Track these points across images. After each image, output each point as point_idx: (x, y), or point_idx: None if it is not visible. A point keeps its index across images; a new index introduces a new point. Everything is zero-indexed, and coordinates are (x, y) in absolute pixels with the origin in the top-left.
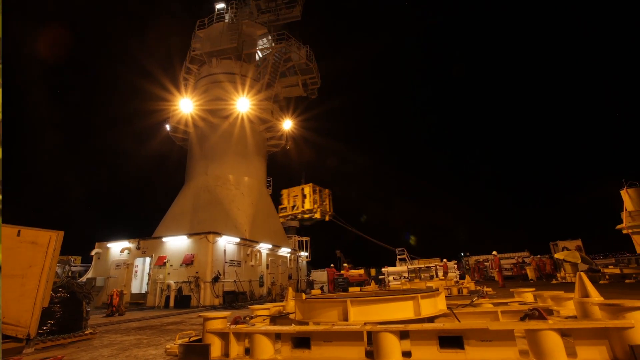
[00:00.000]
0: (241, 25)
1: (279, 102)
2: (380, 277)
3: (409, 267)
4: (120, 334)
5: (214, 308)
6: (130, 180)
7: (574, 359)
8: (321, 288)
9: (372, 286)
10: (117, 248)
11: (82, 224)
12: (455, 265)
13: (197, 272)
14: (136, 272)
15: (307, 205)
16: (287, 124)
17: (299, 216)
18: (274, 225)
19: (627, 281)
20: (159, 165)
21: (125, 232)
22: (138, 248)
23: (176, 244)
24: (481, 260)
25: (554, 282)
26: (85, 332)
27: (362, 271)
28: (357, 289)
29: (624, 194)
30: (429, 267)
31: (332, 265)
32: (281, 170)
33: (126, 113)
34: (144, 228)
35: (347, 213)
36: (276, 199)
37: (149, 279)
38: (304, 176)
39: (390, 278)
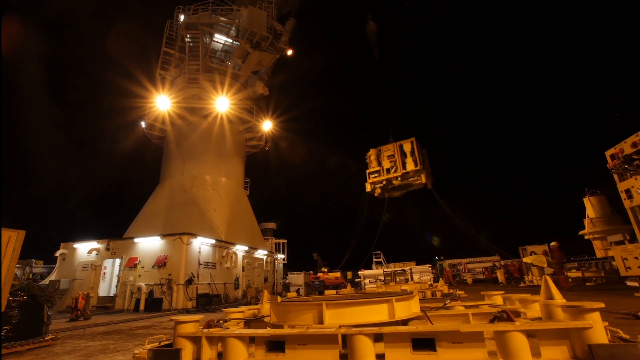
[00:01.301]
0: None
1: (257, 98)
2: (356, 280)
3: (385, 270)
4: (85, 340)
5: (186, 311)
6: (100, 179)
7: (538, 358)
8: (297, 291)
9: (348, 289)
10: (85, 249)
11: (46, 224)
12: (430, 269)
13: (169, 274)
14: (105, 274)
15: (411, 166)
16: (267, 125)
17: (397, 181)
18: (251, 227)
19: (587, 284)
20: (133, 164)
21: (94, 233)
22: (107, 249)
23: (148, 245)
24: (455, 264)
25: (522, 285)
26: (46, 338)
27: (338, 274)
28: (334, 291)
29: (586, 201)
30: (404, 270)
31: (325, 269)
32: (260, 172)
33: (98, 108)
34: (114, 228)
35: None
36: (361, 164)
37: (118, 282)
38: (391, 133)
39: (367, 281)
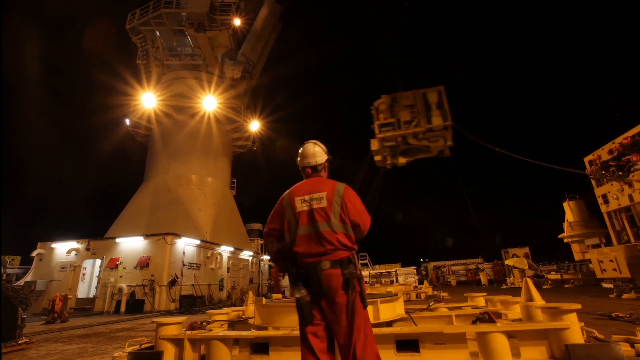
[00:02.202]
0: None
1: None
2: None
3: (371, 272)
4: (62, 343)
5: (169, 313)
6: (83, 178)
7: (518, 359)
8: (282, 292)
9: None
10: (64, 249)
11: (24, 223)
12: (415, 271)
13: (152, 275)
14: (84, 275)
15: (438, 121)
16: (255, 125)
17: (416, 140)
18: (237, 227)
19: (566, 286)
20: (117, 162)
21: (74, 233)
22: (88, 249)
23: (131, 245)
24: (439, 266)
25: (504, 287)
26: (20, 342)
27: None
28: None
29: (565, 206)
30: (389, 272)
31: None
32: (247, 172)
33: (80, 105)
34: (96, 228)
35: None
36: (365, 115)
37: (98, 283)
38: (400, 84)
39: None
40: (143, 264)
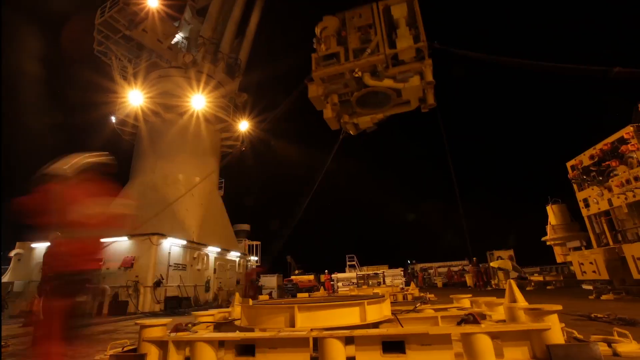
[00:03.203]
0: None
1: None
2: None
3: (358, 273)
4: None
5: (153, 315)
6: None
7: (501, 359)
8: (270, 294)
9: (321, 292)
10: (44, 249)
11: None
12: (402, 272)
13: (136, 276)
14: None
15: (405, 43)
16: (244, 125)
17: (374, 80)
18: (224, 228)
19: (548, 287)
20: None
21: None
22: None
23: (115, 245)
24: (426, 267)
25: (489, 288)
26: None
27: (312, 277)
28: (306, 294)
29: (549, 209)
30: (377, 273)
31: (326, 271)
32: (235, 172)
33: (63, 100)
34: None
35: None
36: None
37: None
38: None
39: (340, 284)
40: (127, 264)
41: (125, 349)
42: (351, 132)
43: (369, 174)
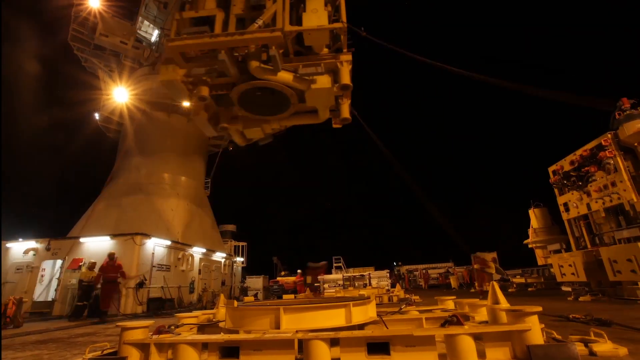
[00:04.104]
0: None
1: None
2: (316, 284)
3: (344, 275)
4: (13, 350)
5: (135, 317)
6: (47, 174)
7: (484, 359)
8: (255, 295)
9: (307, 294)
10: (20, 249)
11: None
12: (388, 274)
13: (119, 277)
14: (42, 276)
15: (313, 20)
16: None
17: (269, 71)
18: (210, 228)
19: (529, 289)
20: (84, 158)
21: (33, 231)
22: (48, 249)
23: (96, 246)
24: (411, 269)
25: (473, 290)
26: None
27: (296, 278)
28: (292, 296)
29: (531, 213)
30: (363, 275)
31: (299, 271)
32: (222, 172)
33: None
34: (58, 227)
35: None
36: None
37: (58, 285)
38: None
39: (326, 286)
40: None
41: (105, 352)
42: (237, 142)
43: (356, 173)
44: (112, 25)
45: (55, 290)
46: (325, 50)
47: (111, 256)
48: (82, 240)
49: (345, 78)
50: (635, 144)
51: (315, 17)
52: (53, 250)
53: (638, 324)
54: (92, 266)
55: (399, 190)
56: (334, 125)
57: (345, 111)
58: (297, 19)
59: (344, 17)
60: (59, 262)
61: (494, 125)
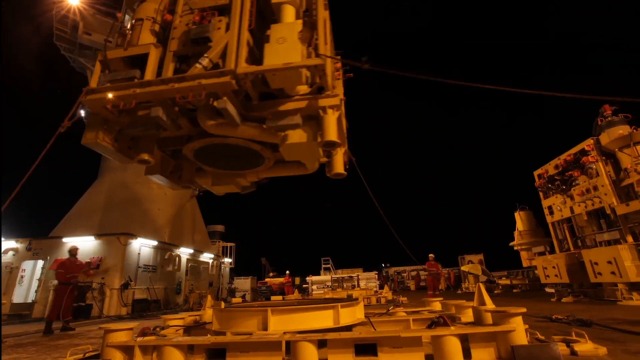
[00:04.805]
0: None
1: None
2: (304, 285)
3: (333, 276)
4: None
5: (119, 318)
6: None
7: None
8: (243, 296)
9: (295, 295)
10: None
11: None
12: (376, 275)
13: (103, 278)
14: (22, 277)
15: (282, 56)
16: None
17: (250, 110)
18: (198, 228)
19: (514, 290)
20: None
21: (12, 231)
22: (29, 249)
23: (80, 246)
24: (399, 271)
25: (459, 292)
26: None
27: (284, 279)
28: (280, 297)
29: (516, 215)
30: (351, 276)
31: (287, 272)
32: None
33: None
34: (40, 226)
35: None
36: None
37: (39, 286)
38: None
39: (314, 287)
40: (93, 265)
41: (87, 355)
42: (214, 192)
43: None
44: (94, 23)
45: (36, 291)
46: (304, 88)
47: (72, 252)
48: (65, 240)
49: (331, 132)
50: (616, 150)
51: (282, 49)
52: (34, 250)
53: (617, 324)
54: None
55: (388, 193)
56: (328, 175)
57: (339, 165)
58: (259, 53)
59: (322, 48)
60: (40, 262)
61: (482, 131)
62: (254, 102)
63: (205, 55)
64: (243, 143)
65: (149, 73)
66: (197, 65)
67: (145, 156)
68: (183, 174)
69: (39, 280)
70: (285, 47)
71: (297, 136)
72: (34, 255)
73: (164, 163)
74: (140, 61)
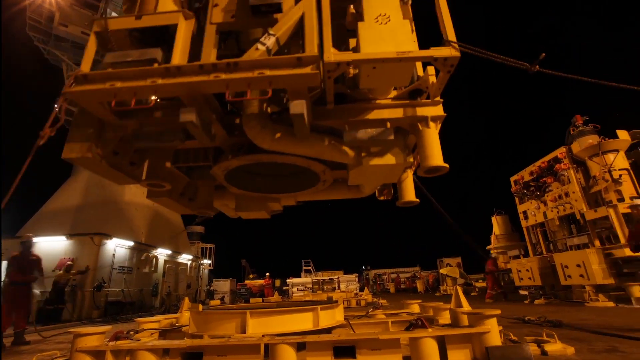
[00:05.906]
0: None
1: None
2: (284, 288)
3: (313, 278)
4: None
5: (91, 322)
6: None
7: None
8: (222, 299)
9: (275, 297)
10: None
11: None
12: (357, 278)
13: (74, 279)
14: None
15: (388, 43)
16: None
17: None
18: (176, 229)
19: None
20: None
21: None
22: None
23: (50, 246)
24: (380, 274)
25: (438, 294)
26: None
27: (264, 281)
28: (260, 299)
29: (493, 220)
30: (332, 279)
31: (267, 274)
32: None
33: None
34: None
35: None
36: None
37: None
38: None
39: (295, 289)
40: (63, 266)
41: None
42: (228, 214)
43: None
44: (71, 14)
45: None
46: (392, 92)
47: (27, 244)
48: (34, 240)
49: (436, 154)
50: (586, 158)
51: (387, 32)
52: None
53: (584, 325)
54: (69, 268)
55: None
56: (379, 198)
57: (410, 191)
58: (341, 36)
59: (451, 33)
60: (4, 263)
61: (463, 135)
62: (328, 106)
63: (271, 32)
64: (302, 163)
65: (177, 55)
66: (259, 46)
67: (159, 181)
68: (198, 196)
69: (3, 282)
70: (391, 29)
71: (387, 156)
72: None
73: (174, 182)
74: (160, 37)
